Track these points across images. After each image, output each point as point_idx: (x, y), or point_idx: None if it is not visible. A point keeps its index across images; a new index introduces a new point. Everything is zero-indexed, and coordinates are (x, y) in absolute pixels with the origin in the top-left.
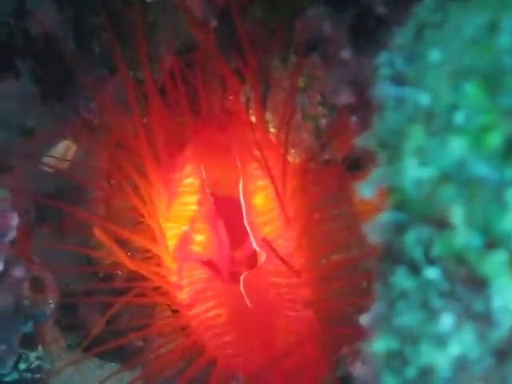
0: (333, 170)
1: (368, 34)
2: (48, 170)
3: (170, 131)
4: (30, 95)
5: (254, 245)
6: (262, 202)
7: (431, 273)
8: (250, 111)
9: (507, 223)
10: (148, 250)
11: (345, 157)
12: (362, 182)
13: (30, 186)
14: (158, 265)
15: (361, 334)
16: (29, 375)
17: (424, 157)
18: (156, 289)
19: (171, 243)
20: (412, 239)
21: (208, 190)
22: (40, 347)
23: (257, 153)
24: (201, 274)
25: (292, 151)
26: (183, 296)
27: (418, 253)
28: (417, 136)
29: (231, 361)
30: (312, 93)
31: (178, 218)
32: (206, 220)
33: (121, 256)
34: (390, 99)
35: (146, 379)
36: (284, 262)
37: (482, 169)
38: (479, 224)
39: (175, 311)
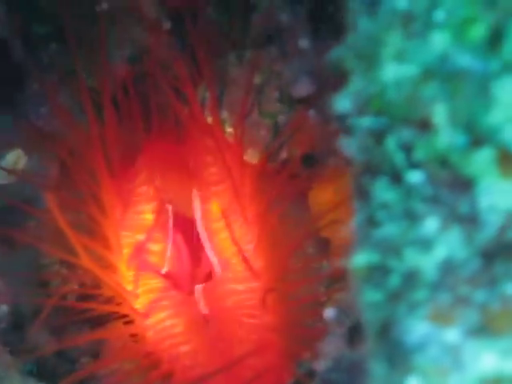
0: (291, 169)
1: (326, 19)
2: None
3: (123, 140)
4: None
5: (209, 252)
6: (218, 207)
7: (414, 177)
8: (206, 112)
9: (493, 118)
10: (103, 259)
11: (303, 154)
12: (338, 94)
13: None
14: (113, 273)
15: (321, 334)
16: None
17: (404, 57)
18: (110, 299)
19: (126, 252)
20: (393, 144)
21: (163, 198)
22: None
23: (213, 157)
24: (157, 283)
25: (249, 150)
26: (139, 305)
27: (399, 158)
28: (395, 40)
29: (188, 373)
30: (269, 89)
31: (133, 227)
32: (162, 229)
33: (75, 244)
34: (364, 6)
35: None
36: (246, 262)
37: (465, 60)
38: (463, 121)
39: (129, 322)
